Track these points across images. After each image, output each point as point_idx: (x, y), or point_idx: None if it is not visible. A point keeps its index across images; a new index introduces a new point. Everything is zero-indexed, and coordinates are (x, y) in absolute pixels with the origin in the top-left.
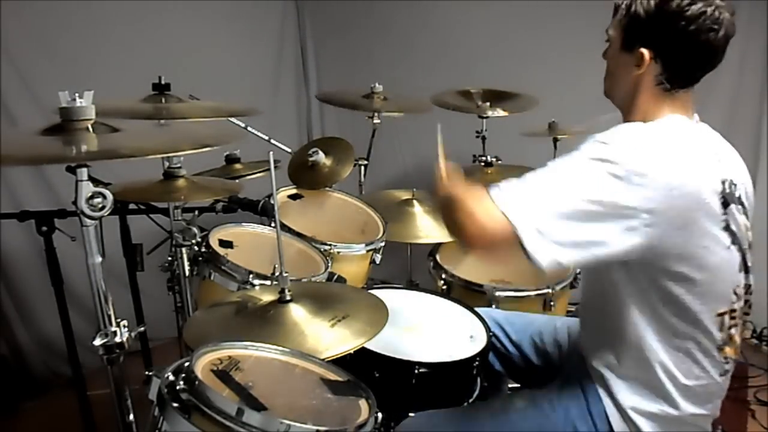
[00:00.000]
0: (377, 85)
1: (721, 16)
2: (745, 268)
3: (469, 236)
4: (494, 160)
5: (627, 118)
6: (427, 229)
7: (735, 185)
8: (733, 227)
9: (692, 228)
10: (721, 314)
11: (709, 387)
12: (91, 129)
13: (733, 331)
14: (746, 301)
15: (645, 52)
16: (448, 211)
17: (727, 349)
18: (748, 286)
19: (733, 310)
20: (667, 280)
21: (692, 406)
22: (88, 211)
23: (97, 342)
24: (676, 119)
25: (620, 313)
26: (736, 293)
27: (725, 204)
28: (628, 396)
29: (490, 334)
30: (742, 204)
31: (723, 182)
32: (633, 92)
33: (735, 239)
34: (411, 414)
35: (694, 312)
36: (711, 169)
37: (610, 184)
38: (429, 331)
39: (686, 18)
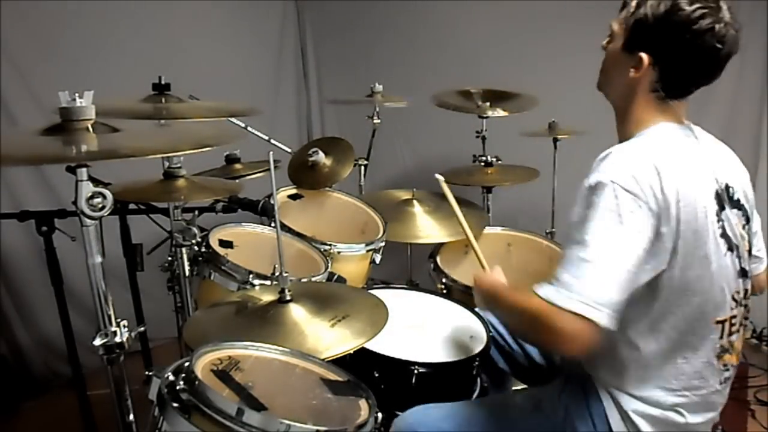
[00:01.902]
0: (377, 85)
1: (728, 33)
2: (743, 273)
3: (567, 352)
4: (494, 160)
5: (621, 122)
6: (427, 229)
7: (732, 188)
8: (729, 233)
9: (693, 238)
10: (721, 322)
11: (709, 396)
12: (91, 129)
13: (734, 337)
14: (745, 306)
15: (645, 56)
16: (519, 325)
17: (727, 357)
18: (746, 291)
19: (734, 317)
20: (669, 294)
21: (692, 415)
22: (88, 211)
23: (97, 342)
24: (668, 128)
25: (616, 332)
26: (735, 299)
27: (721, 209)
28: (629, 401)
29: (490, 333)
30: (740, 207)
31: (718, 187)
32: (627, 96)
33: (731, 245)
34: None
35: (692, 322)
36: (705, 175)
37: (643, 223)
38: (429, 331)
39: (693, 31)
